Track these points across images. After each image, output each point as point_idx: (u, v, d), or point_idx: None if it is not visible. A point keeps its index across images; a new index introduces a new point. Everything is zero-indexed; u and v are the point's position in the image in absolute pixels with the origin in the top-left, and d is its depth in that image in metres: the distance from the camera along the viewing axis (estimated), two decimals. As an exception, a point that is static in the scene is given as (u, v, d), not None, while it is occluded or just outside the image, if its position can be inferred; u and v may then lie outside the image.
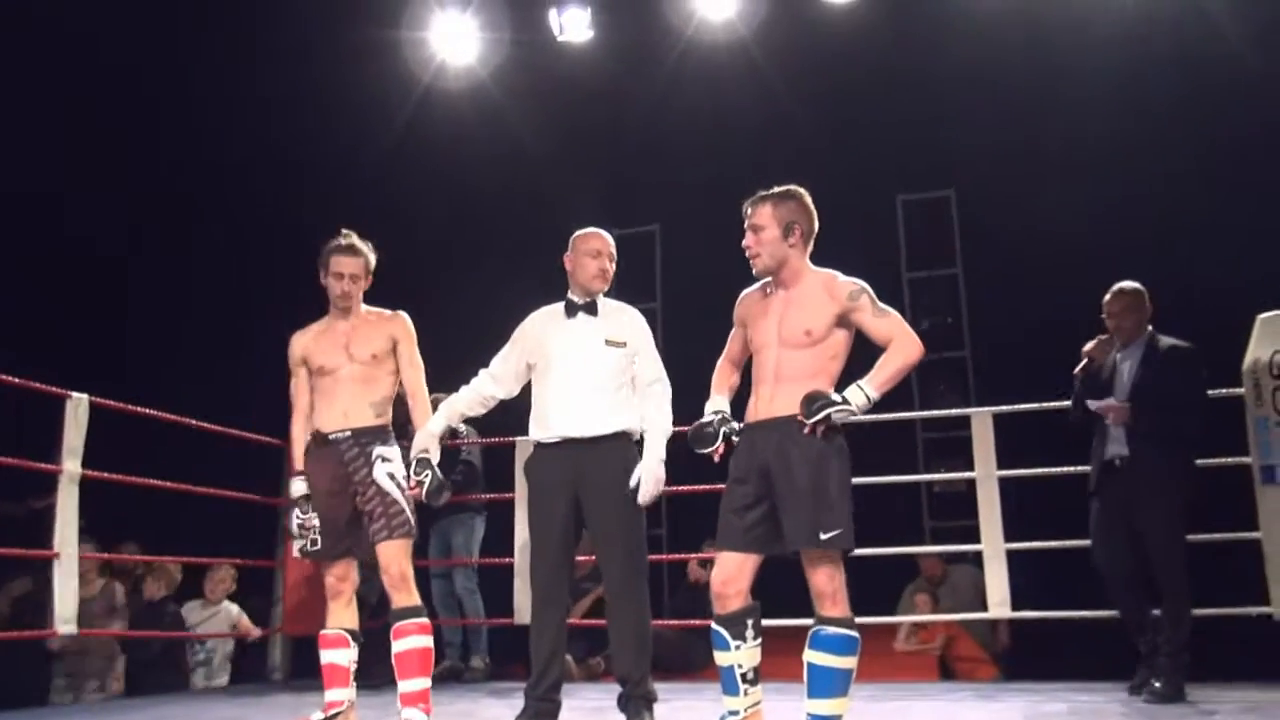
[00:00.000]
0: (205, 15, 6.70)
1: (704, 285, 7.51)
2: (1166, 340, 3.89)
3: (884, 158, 7.40)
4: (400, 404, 3.42)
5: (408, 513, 3.23)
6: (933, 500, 7.46)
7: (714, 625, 2.76)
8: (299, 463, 3.36)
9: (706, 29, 6.76)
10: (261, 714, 3.82)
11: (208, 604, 5.49)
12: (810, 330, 2.73)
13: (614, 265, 3.33)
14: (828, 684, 2.62)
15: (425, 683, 3.21)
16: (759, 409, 2.80)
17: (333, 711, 3.21)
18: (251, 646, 5.54)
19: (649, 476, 3.12)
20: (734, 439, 2.83)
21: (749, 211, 2.84)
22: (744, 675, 2.72)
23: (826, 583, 2.65)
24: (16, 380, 4.05)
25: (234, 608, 5.49)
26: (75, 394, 4.23)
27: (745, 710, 2.74)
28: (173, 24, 6.71)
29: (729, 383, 3.04)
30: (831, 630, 2.63)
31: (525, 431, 3.39)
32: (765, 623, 2.77)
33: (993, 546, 4.56)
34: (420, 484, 3.17)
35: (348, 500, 3.28)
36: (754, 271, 2.86)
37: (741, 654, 2.72)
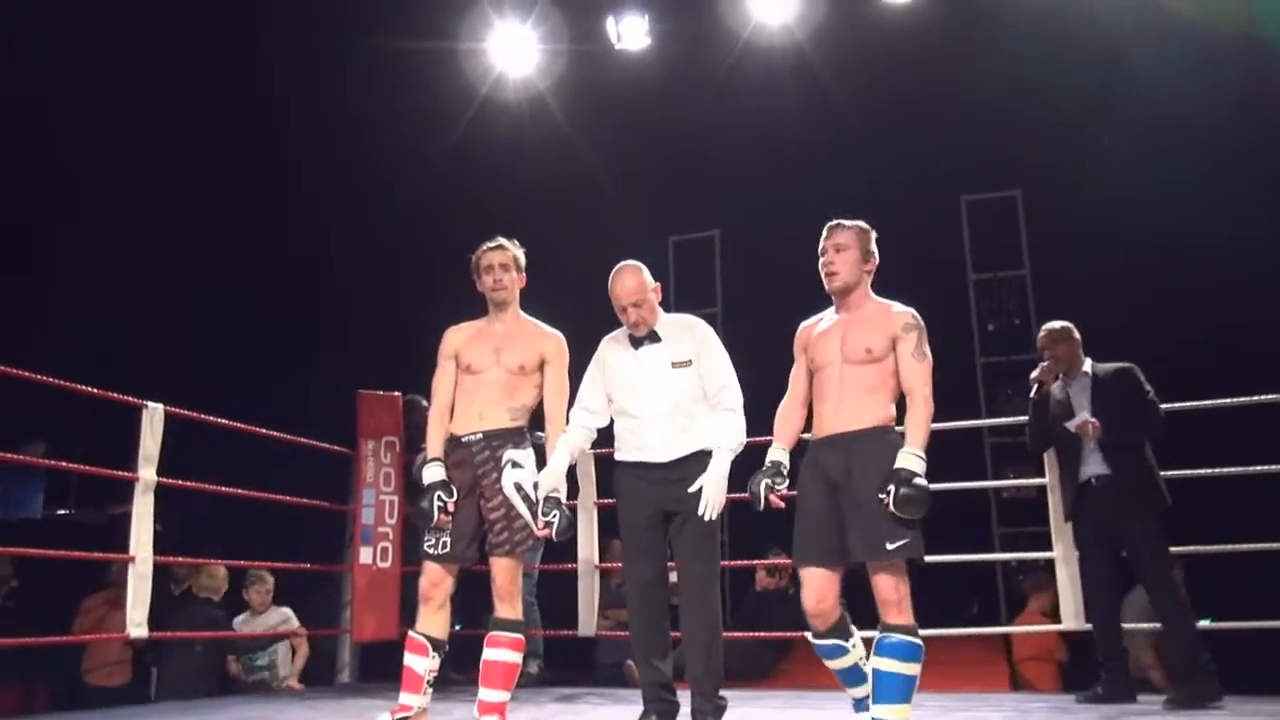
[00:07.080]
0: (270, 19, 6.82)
1: (765, 289, 7.52)
2: (1105, 366, 4.23)
3: (946, 158, 7.30)
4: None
5: (532, 527, 3.23)
6: (1001, 506, 7.33)
7: (819, 640, 2.90)
8: (434, 449, 3.32)
9: (763, 33, 6.74)
10: (331, 715, 3.88)
11: (255, 613, 5.48)
12: (871, 349, 2.85)
13: (645, 298, 3.26)
14: (893, 690, 2.68)
15: (505, 695, 3.24)
16: (824, 425, 2.90)
17: (400, 715, 3.23)
18: (321, 648, 5.56)
19: (710, 495, 3.14)
20: (775, 493, 2.94)
21: (831, 233, 2.95)
22: (863, 662, 2.88)
23: (892, 591, 2.70)
24: (95, 391, 4.18)
25: (284, 611, 5.48)
26: (151, 404, 4.33)
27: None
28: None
29: (792, 427, 3.09)
30: (897, 638, 2.68)
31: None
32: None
33: (1065, 555, 4.45)
34: (550, 524, 3.18)
35: (475, 504, 3.29)
36: (829, 288, 2.96)
37: (858, 650, 2.89)
